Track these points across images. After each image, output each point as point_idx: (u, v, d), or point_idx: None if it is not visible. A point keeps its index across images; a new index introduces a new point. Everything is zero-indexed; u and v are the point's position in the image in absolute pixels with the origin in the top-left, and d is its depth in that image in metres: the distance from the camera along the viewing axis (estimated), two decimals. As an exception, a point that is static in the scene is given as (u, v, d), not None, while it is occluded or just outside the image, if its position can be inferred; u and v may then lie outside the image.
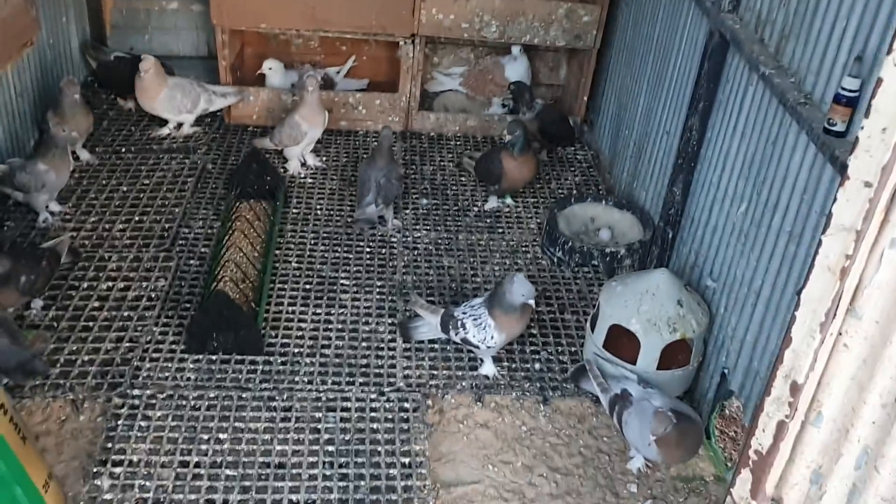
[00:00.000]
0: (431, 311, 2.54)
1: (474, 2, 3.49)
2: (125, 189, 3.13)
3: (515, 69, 3.78)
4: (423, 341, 2.59)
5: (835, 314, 1.17)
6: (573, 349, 2.64)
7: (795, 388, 1.24)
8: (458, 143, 3.72)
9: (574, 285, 2.91)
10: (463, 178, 3.47)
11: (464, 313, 2.46)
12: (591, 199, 3.17)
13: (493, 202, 3.30)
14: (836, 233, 1.13)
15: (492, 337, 2.43)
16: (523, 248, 3.08)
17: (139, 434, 2.19)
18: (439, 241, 3.08)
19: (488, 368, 2.51)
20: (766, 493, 1.35)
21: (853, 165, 1.10)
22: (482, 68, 3.91)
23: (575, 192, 3.38)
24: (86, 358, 2.39)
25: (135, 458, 2.13)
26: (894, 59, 1.07)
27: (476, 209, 3.28)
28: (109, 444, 2.15)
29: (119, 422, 2.21)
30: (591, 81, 3.71)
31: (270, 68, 3.70)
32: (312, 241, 3.00)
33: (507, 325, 2.43)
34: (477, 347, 2.47)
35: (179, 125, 3.51)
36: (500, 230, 3.18)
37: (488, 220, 3.22)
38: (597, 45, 3.58)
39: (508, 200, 3.32)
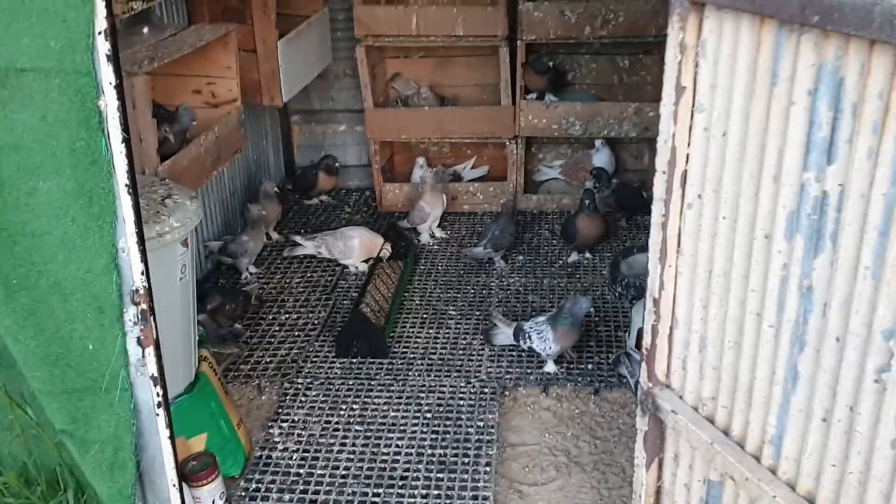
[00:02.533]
0: (507, 323, 3.42)
1: (561, 108, 4.48)
2: (301, 257, 4.29)
3: (600, 158, 4.68)
4: (504, 348, 3.47)
5: (666, 252, 1.97)
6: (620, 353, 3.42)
7: (656, 302, 2.02)
8: (556, 217, 4.63)
9: (630, 314, 3.69)
10: (555, 242, 4.37)
11: (531, 328, 3.33)
12: (652, 251, 3.96)
13: (574, 256, 4.18)
14: (656, 202, 1.96)
15: (550, 347, 3.27)
16: (594, 289, 3.92)
17: (300, 404, 3.21)
18: (528, 284, 3.98)
19: (550, 367, 3.33)
20: (658, 379, 2.12)
21: (657, 160, 1.94)
22: (575, 160, 4.85)
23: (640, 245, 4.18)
24: (268, 359, 3.48)
25: (296, 418, 3.14)
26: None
27: (561, 262, 4.17)
28: (279, 410, 3.18)
29: (287, 398, 3.25)
30: (663, 163, 4.53)
31: (420, 165, 4.81)
32: (432, 287, 4.00)
33: (562, 338, 3.26)
34: (539, 354, 3.31)
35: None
36: (578, 276, 4.04)
37: (569, 270, 4.10)
38: (663, 133, 4.43)
39: (587, 255, 4.18)
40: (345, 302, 3.88)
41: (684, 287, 2.01)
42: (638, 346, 3.23)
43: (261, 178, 4.69)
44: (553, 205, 4.71)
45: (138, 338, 2.21)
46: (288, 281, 4.08)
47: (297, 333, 3.65)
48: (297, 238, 4.26)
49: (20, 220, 2.14)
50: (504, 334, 3.43)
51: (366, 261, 4.08)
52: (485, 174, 4.98)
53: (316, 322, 3.73)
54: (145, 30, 3.28)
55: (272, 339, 3.61)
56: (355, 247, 4.04)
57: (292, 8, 4.38)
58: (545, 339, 3.26)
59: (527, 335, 3.31)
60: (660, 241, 2.01)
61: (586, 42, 4.46)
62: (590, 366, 3.38)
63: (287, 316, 3.79)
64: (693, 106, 1.86)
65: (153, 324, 2.21)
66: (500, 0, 4.37)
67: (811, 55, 1.54)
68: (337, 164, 4.81)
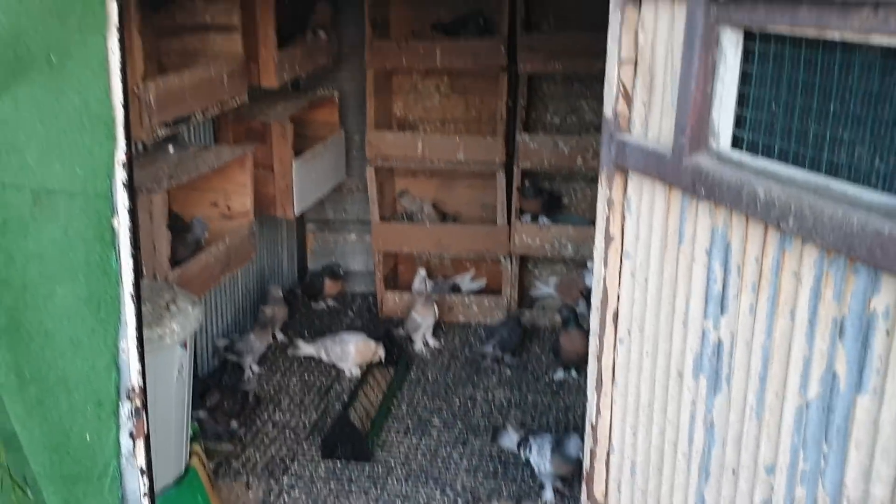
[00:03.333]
0: (516, 429, 3.59)
1: (554, 230, 4.77)
2: (302, 358, 4.54)
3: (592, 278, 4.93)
4: (482, 460, 3.64)
5: (602, 382, 2.20)
6: (591, 473, 3.57)
7: (593, 428, 2.24)
8: (548, 332, 4.86)
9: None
10: (543, 358, 4.58)
11: (534, 440, 3.45)
12: (631, 371, 4.16)
13: (560, 373, 4.37)
14: (592, 335, 2.21)
15: (545, 465, 3.40)
16: (575, 407, 4.10)
17: (284, 502, 3.39)
18: (512, 399, 4.17)
19: (548, 495, 3.41)
20: (596, 500, 2.31)
21: (592, 298, 2.19)
22: (569, 278, 5.10)
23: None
24: (258, 457, 3.68)
25: (278, 515, 3.33)
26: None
27: (547, 378, 4.36)
28: (264, 506, 3.38)
29: (271, 495, 3.44)
30: (650, 286, 4.78)
31: (421, 276, 5.09)
32: (420, 396, 4.20)
33: (558, 464, 3.41)
34: (534, 471, 3.47)
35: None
36: (562, 394, 4.22)
37: (554, 387, 4.28)
38: (650, 258, 4.69)
39: (573, 373, 4.37)
40: (337, 405, 4.09)
41: (618, 415, 2.23)
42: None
43: (274, 280, 5.00)
44: (546, 321, 4.94)
45: (131, 431, 2.45)
46: (286, 381, 4.32)
47: (288, 433, 3.86)
48: (300, 342, 4.52)
49: (37, 319, 2.43)
50: (510, 439, 3.59)
51: (359, 365, 4.32)
52: (483, 287, 5.24)
53: (307, 423, 3.94)
54: (171, 148, 3.65)
55: (264, 438, 3.83)
56: (351, 352, 4.29)
57: (313, 130, 4.80)
58: (543, 456, 3.41)
59: (528, 446, 3.47)
60: (596, 372, 2.25)
61: (579, 171, 4.78)
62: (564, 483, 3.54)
63: (281, 416, 4.01)
64: (622, 253, 2.12)
65: (145, 419, 2.45)
66: (499, 130, 4.74)
67: (707, 220, 1.81)
68: (342, 270, 5.12)
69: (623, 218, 2.09)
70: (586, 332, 4.37)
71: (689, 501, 1.96)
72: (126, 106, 2.31)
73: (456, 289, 5.18)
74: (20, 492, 2.59)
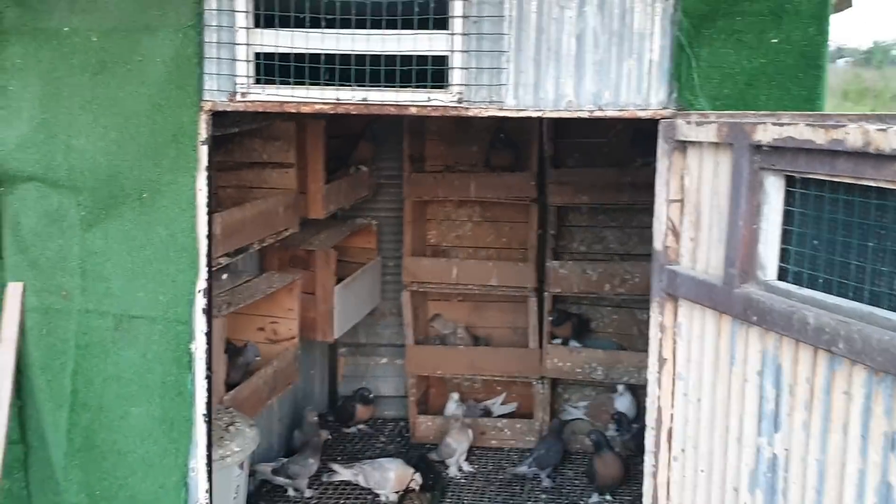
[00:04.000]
0: None
1: (584, 354, 4.90)
2: (337, 482, 4.57)
3: (622, 402, 5.00)
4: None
5: (657, 499, 2.28)
6: None
7: None
8: (580, 456, 4.89)
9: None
10: (577, 482, 4.60)
11: None
12: None
13: (594, 497, 4.39)
14: (647, 453, 2.31)
15: None
16: (611, 534, 4.11)
17: None
18: (549, 524, 4.20)
19: None
20: None
21: (647, 418, 2.31)
22: (599, 402, 5.18)
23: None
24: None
25: None
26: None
27: (582, 503, 4.38)
28: None
29: None
30: (680, 410, 4.85)
31: (455, 400, 5.17)
32: (458, 520, 4.23)
33: None
34: None
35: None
36: (597, 519, 4.24)
37: (590, 513, 4.31)
38: (679, 382, 4.79)
39: (608, 497, 4.40)
40: (375, 530, 4.12)
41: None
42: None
43: (307, 405, 5.09)
44: (577, 445, 4.98)
45: (194, 550, 2.53)
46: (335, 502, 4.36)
47: (327, 557, 3.88)
48: (336, 466, 4.57)
49: (111, 439, 2.56)
50: None
51: (396, 492, 4.35)
52: (514, 410, 5.31)
53: (348, 547, 3.96)
54: (224, 276, 3.85)
55: (305, 561, 3.84)
56: (391, 479, 4.34)
57: (351, 256, 5.02)
58: None
59: None
60: (651, 489, 2.34)
61: (607, 296, 4.95)
62: None
63: (320, 539, 4.03)
64: (674, 374, 2.26)
65: (209, 538, 2.54)
66: (530, 257, 4.96)
67: (757, 343, 1.96)
68: (371, 395, 5.21)
69: (675, 342, 2.24)
70: (620, 456, 4.46)
71: None
72: (209, 238, 2.52)
73: (487, 412, 5.26)
74: None
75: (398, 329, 5.46)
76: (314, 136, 4.19)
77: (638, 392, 5.10)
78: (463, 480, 4.67)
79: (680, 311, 2.22)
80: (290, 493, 4.36)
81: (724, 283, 1.99)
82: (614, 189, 4.74)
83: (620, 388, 5.01)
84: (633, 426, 4.71)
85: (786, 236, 1.91)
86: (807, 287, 1.84)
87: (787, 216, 1.90)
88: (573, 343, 4.99)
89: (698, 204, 2.13)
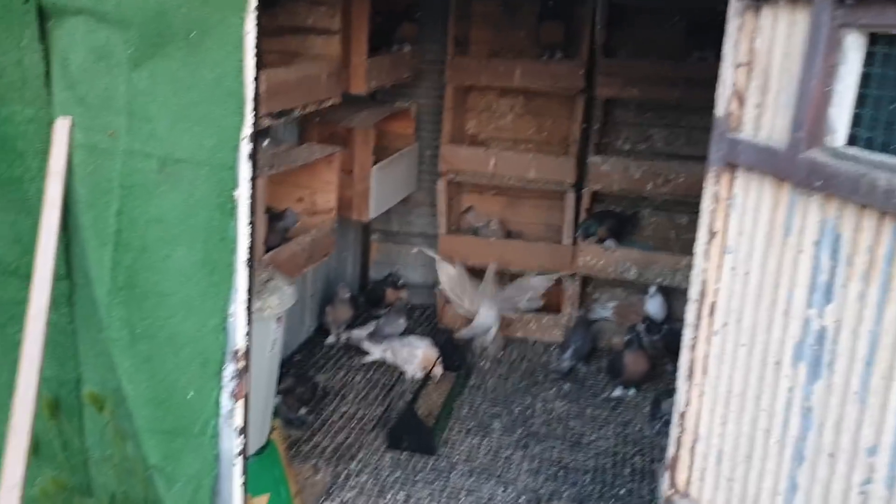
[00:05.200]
0: None
1: (618, 253, 4.86)
2: (356, 361, 4.65)
3: (653, 304, 4.99)
4: (542, 463, 3.71)
5: (693, 372, 2.28)
6: (654, 485, 3.62)
7: (682, 416, 2.32)
8: (603, 354, 4.92)
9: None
10: (600, 377, 4.64)
11: None
12: (691, 393, 4.21)
13: (618, 391, 4.44)
14: (687, 326, 2.29)
15: None
16: (633, 422, 4.16)
17: (350, 487, 3.49)
18: (571, 411, 4.25)
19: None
20: (678, 488, 2.37)
21: (690, 290, 2.28)
22: (629, 303, 5.17)
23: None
24: (325, 443, 3.79)
25: (346, 499, 3.42)
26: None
27: (605, 395, 4.43)
28: (332, 490, 3.47)
29: (339, 479, 3.54)
30: (710, 314, 4.83)
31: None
32: (480, 401, 4.29)
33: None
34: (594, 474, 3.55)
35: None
36: (620, 410, 4.28)
37: (613, 403, 4.35)
38: (712, 286, 4.75)
39: (631, 391, 4.43)
40: (399, 402, 4.19)
41: (707, 405, 2.31)
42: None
43: (338, 283, 5.14)
44: (603, 342, 5.01)
45: (232, 391, 2.58)
46: (351, 378, 4.44)
47: (353, 424, 3.97)
48: (365, 344, 4.64)
49: (153, 280, 2.58)
50: None
51: (423, 370, 4.42)
52: (540, 306, 5.32)
53: (372, 417, 4.05)
54: (266, 142, 3.83)
55: (331, 427, 3.94)
56: (418, 356, 4.40)
57: (388, 141, 4.97)
58: None
59: None
60: (688, 362, 2.33)
61: (647, 197, 4.88)
62: (622, 491, 3.59)
63: (347, 408, 4.12)
64: (723, 247, 2.22)
65: (247, 381, 2.58)
66: (571, 151, 4.88)
67: (817, 213, 1.91)
68: (401, 281, 5.25)
69: (727, 214, 2.19)
70: (648, 354, 4.48)
71: (780, 485, 2.03)
72: (256, 83, 2.47)
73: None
74: (121, 444, 2.72)
75: (430, 219, 5.46)
76: (359, 7, 4.07)
77: (669, 296, 5.09)
78: (487, 366, 4.72)
79: (736, 182, 2.16)
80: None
81: (789, 149, 1.92)
82: (667, 84, 4.59)
83: (652, 289, 4.99)
84: (662, 327, 4.71)
85: (860, 101, 1.83)
86: (879, 152, 1.77)
87: (865, 79, 1.81)
88: (609, 242, 4.93)
89: (767, 67, 2.04)
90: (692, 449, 2.35)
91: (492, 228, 5.21)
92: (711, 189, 2.21)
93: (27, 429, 2.45)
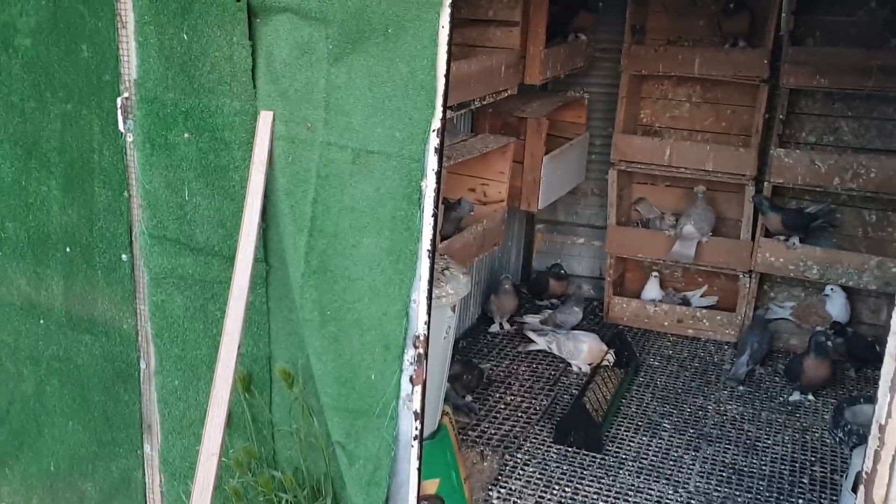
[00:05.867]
0: None
1: (800, 250, 4.61)
2: (520, 349, 4.67)
3: (834, 305, 4.70)
4: (714, 465, 3.59)
5: (898, 382, 2.13)
6: (835, 497, 3.43)
7: (881, 429, 2.17)
8: (780, 356, 4.69)
9: (849, 459, 3.68)
10: (777, 379, 4.43)
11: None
12: (880, 403, 3.93)
13: (796, 395, 4.22)
14: (892, 335, 2.14)
15: None
16: (812, 429, 3.94)
17: (517, 477, 3.52)
18: (745, 413, 4.08)
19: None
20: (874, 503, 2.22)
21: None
22: (809, 303, 4.90)
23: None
24: (492, 432, 3.84)
25: (513, 488, 3.45)
26: None
27: (781, 399, 4.23)
28: (499, 478, 3.52)
29: (507, 468, 3.58)
30: (902, 321, 4.49)
31: (654, 280, 5.10)
32: (648, 399, 4.21)
33: None
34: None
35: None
36: (798, 415, 4.08)
37: (790, 408, 4.15)
38: (905, 290, 4.42)
39: (810, 396, 4.21)
40: (565, 396, 4.19)
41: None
42: (854, 489, 3.26)
43: (502, 273, 5.19)
44: (780, 343, 4.77)
45: (411, 376, 2.67)
46: (515, 368, 4.48)
47: (519, 414, 4.00)
48: (531, 333, 4.66)
49: (343, 265, 2.70)
50: None
51: (589, 364, 4.39)
52: (713, 304, 5.14)
53: (538, 408, 4.06)
54: (442, 133, 3.91)
55: (497, 415, 3.99)
56: (584, 350, 4.38)
57: (559, 130, 4.94)
58: None
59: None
60: (892, 372, 2.18)
61: (833, 192, 4.59)
62: (801, 501, 3.43)
63: (512, 398, 4.16)
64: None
65: (426, 366, 2.66)
66: (753, 143, 4.66)
67: None
68: (564, 272, 5.23)
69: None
70: (831, 360, 4.22)
71: None
72: (447, 77, 2.53)
73: (686, 302, 5.13)
74: (308, 419, 2.87)
75: (598, 210, 5.40)
76: (538, -1, 4.07)
77: (852, 297, 4.78)
78: (657, 363, 4.62)
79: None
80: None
81: None
82: (859, 73, 4.30)
83: (828, 289, 4.71)
84: (846, 330, 4.44)
85: None
86: None
87: None
88: (793, 240, 4.67)
89: None
90: (892, 465, 2.21)
91: (665, 222, 5.06)
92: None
93: (226, 401, 2.64)
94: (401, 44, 2.53)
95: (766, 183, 4.63)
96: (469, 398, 4.04)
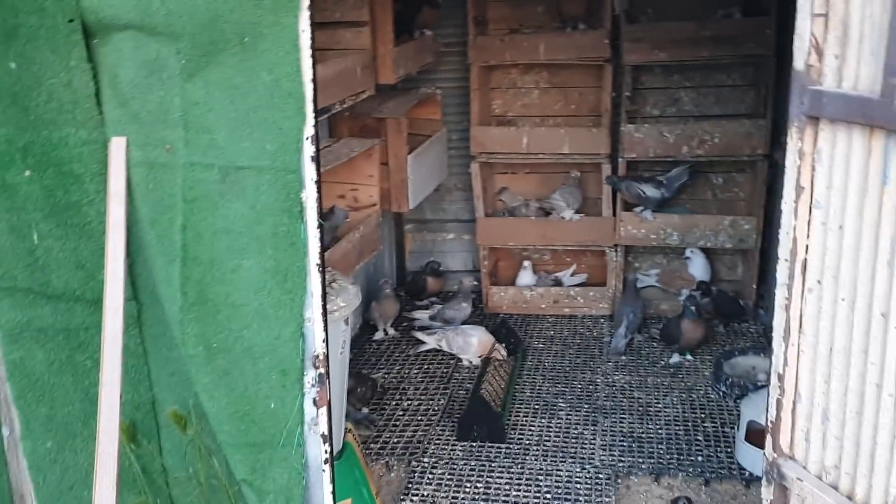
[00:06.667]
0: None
1: (660, 219, 4.81)
2: (412, 352, 4.62)
3: (696, 266, 4.94)
4: (614, 436, 3.68)
5: (790, 332, 2.24)
6: (729, 449, 3.59)
7: (780, 378, 2.28)
8: (653, 321, 4.88)
9: (735, 410, 3.87)
10: (654, 344, 4.61)
11: None
12: (752, 353, 4.17)
13: (675, 357, 4.40)
14: (779, 287, 2.24)
15: None
16: (696, 388, 4.12)
17: (427, 481, 3.46)
18: (632, 381, 4.21)
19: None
20: (781, 450, 2.33)
21: (779, 250, 2.23)
22: (672, 268, 5.13)
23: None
24: (395, 440, 3.76)
25: (425, 493, 3.39)
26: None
27: (663, 362, 4.40)
28: (409, 486, 3.44)
29: (415, 475, 3.51)
30: (757, 274, 4.79)
31: (527, 268, 5.17)
32: (541, 382, 4.26)
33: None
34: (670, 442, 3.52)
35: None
36: (681, 376, 4.25)
37: (671, 370, 4.32)
38: (757, 246, 4.71)
39: (689, 356, 4.40)
40: (461, 392, 4.16)
41: (806, 364, 2.26)
42: (748, 438, 3.42)
43: (379, 279, 5.10)
44: (651, 310, 4.96)
45: (314, 398, 2.54)
46: (407, 372, 4.41)
47: (419, 418, 3.94)
48: (419, 334, 4.60)
49: (224, 292, 2.54)
50: None
51: (479, 357, 4.39)
52: (584, 281, 5.28)
53: (436, 408, 4.02)
54: (303, 143, 3.78)
55: (397, 423, 3.91)
56: (474, 343, 4.38)
57: (416, 128, 4.90)
58: None
59: None
60: (783, 322, 2.28)
61: (682, 160, 4.82)
62: (699, 458, 3.56)
63: (409, 403, 4.09)
64: (811, 203, 2.17)
65: (328, 386, 2.55)
66: (604, 122, 4.81)
67: (918, 158, 1.85)
68: (440, 268, 5.23)
69: (813, 169, 2.14)
70: (704, 320, 4.43)
71: (901, 439, 1.99)
72: (315, 82, 2.42)
73: (558, 283, 5.23)
74: (206, 460, 2.69)
75: (463, 204, 5.43)
76: (382, -3, 4.02)
77: (710, 257, 5.04)
78: (541, 346, 4.69)
79: (821, 136, 2.10)
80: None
81: (883, 96, 1.87)
82: (693, 44, 4.53)
83: (688, 251, 4.94)
84: (712, 289, 4.67)
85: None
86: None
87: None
88: (647, 213, 4.84)
89: (846, 17, 1.98)
90: (793, 410, 2.31)
91: (530, 208, 5.13)
92: (795, 145, 2.15)
93: (115, 458, 2.42)
94: (260, 52, 2.40)
95: (619, 159, 4.79)
96: (366, 410, 3.94)
